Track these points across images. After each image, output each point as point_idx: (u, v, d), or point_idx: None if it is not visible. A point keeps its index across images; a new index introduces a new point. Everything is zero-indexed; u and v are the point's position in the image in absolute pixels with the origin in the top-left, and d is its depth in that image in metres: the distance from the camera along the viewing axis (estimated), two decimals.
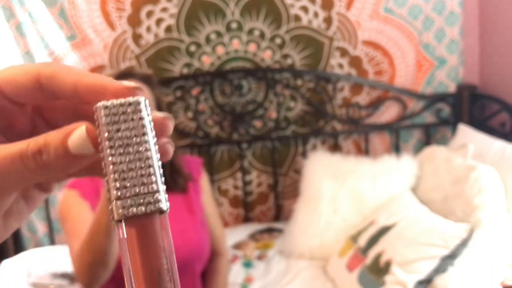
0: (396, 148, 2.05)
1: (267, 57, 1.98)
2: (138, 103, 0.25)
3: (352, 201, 1.73)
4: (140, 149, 0.25)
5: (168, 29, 1.91)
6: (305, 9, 1.94)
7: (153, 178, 0.25)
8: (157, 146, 0.26)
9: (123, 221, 0.24)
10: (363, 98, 2.03)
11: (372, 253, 1.48)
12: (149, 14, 1.89)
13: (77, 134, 0.25)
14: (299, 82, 2.00)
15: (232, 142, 2.02)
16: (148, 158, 0.25)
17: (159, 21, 1.90)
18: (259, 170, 2.08)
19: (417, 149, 2.04)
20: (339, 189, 1.75)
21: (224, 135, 2.01)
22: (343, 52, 1.99)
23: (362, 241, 1.56)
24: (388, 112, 2.05)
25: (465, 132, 1.85)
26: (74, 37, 1.86)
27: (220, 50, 1.96)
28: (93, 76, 0.26)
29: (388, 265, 1.40)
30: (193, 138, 2.00)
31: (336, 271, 1.60)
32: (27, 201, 0.30)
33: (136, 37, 1.90)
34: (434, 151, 1.79)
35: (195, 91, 1.97)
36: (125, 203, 0.24)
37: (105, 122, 0.24)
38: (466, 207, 1.47)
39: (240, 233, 1.95)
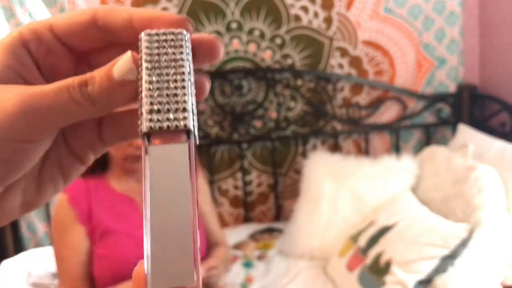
0: (396, 148, 2.05)
1: (267, 57, 1.98)
2: (181, 34, 0.26)
3: (352, 201, 1.73)
4: (176, 70, 0.25)
5: None
6: (305, 9, 1.94)
7: (186, 97, 0.25)
8: (192, 76, 0.26)
9: (150, 136, 0.24)
10: (363, 98, 2.03)
11: (372, 253, 1.48)
12: None
13: (122, 60, 0.25)
14: (299, 82, 2.00)
15: (232, 142, 2.02)
16: (183, 80, 0.25)
17: None
18: (259, 170, 2.08)
19: (417, 149, 2.04)
20: (339, 189, 1.75)
21: (224, 135, 2.01)
22: (343, 52, 1.99)
23: (362, 241, 1.56)
24: (388, 112, 2.05)
25: (465, 132, 1.85)
26: None
27: None
28: (146, 10, 0.27)
29: (388, 265, 1.40)
30: None
31: (336, 271, 1.60)
32: (62, 171, 0.29)
33: None
34: (434, 151, 1.79)
35: None
36: (153, 117, 0.24)
37: (145, 47, 0.25)
38: (466, 207, 1.47)
39: (240, 233, 1.95)
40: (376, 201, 1.71)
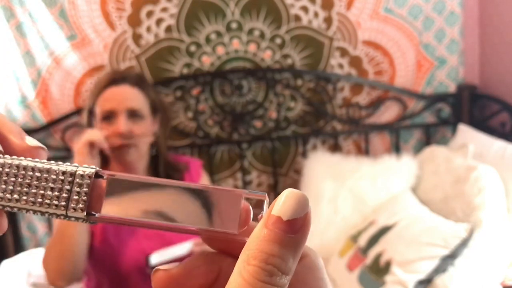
0: (396, 148, 2.05)
1: (267, 57, 1.98)
2: None
3: (352, 201, 1.73)
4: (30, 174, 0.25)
5: (168, 29, 1.91)
6: (305, 9, 1.94)
7: (56, 178, 0.25)
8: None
9: (87, 213, 0.25)
10: (363, 98, 2.03)
11: (372, 253, 1.48)
12: (149, 14, 1.89)
13: None
14: (299, 82, 2.00)
15: (232, 142, 2.02)
16: (44, 171, 0.25)
17: (159, 21, 1.90)
18: (259, 170, 2.08)
19: (417, 149, 2.04)
20: (339, 189, 1.75)
21: (224, 135, 2.01)
22: (343, 52, 1.99)
23: (362, 241, 1.56)
24: (388, 112, 2.05)
25: (465, 132, 1.85)
26: (74, 37, 1.86)
27: (220, 50, 1.96)
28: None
29: (388, 265, 1.40)
30: (193, 138, 2.00)
31: (336, 271, 1.60)
32: None
33: (136, 37, 1.90)
34: (434, 151, 1.79)
35: (195, 91, 1.97)
36: (70, 207, 0.25)
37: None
38: (466, 207, 1.47)
39: None
40: (376, 201, 1.71)
